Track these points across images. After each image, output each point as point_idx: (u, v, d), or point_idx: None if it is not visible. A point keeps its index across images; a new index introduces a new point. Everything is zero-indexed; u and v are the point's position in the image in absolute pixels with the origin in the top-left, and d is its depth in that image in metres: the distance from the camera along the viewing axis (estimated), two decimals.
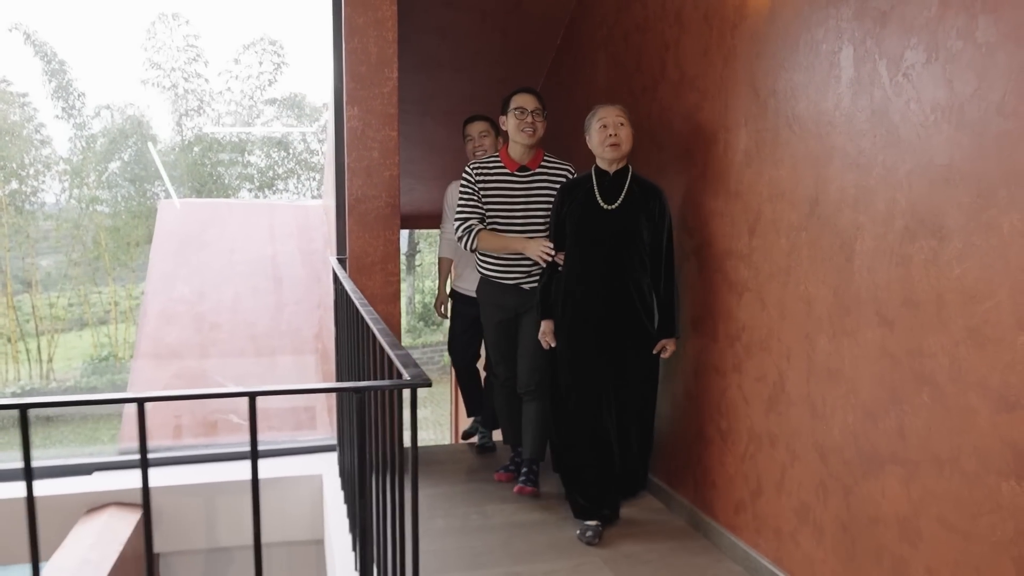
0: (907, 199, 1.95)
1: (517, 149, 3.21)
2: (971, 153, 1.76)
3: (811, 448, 2.36)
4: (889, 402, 2.03)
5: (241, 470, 3.61)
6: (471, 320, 3.85)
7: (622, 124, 2.90)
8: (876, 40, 2.05)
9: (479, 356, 4.07)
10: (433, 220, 6.87)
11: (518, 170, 3.21)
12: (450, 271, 4.17)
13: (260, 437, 1.55)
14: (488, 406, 4.01)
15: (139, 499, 3.42)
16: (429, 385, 1.55)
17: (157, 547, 3.47)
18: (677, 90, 3.13)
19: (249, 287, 5.66)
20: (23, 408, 1.39)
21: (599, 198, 2.94)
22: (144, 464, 1.53)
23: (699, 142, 2.98)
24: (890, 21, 2.00)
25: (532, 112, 3.14)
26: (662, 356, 3.02)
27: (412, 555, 1.75)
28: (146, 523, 1.55)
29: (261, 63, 14.16)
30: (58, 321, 12.72)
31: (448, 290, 4.16)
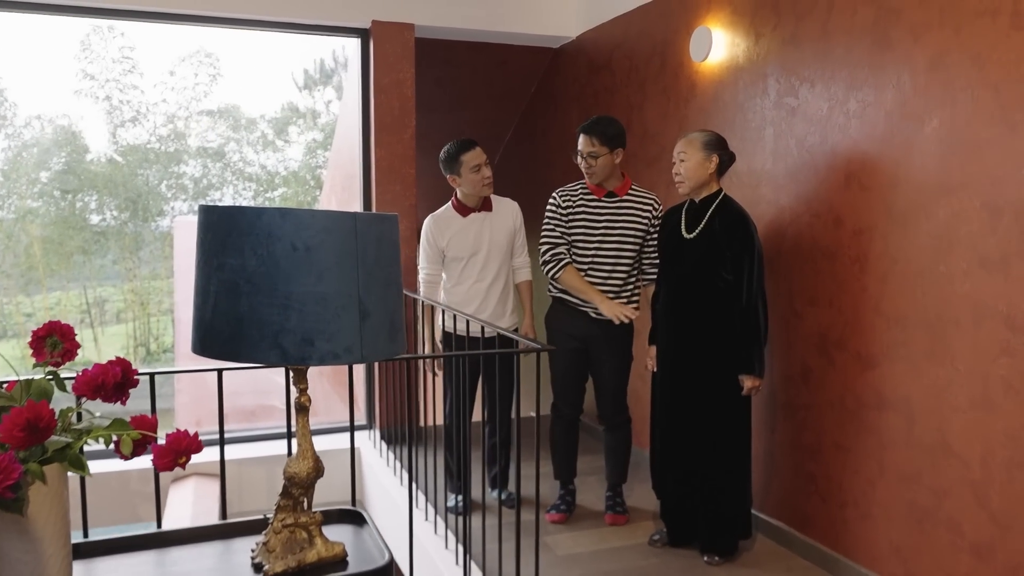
0: (810, 232, 2.98)
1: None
2: (849, 201, 2.80)
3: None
4: (790, 352, 3.06)
5: (284, 446, 4.37)
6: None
7: (682, 160, 2.89)
8: (788, 125, 3.07)
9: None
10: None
11: (605, 196, 3.22)
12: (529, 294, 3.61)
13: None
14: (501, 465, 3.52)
15: (213, 470, 4.18)
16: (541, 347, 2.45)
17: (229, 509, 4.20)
18: (642, 142, 4.10)
19: None
20: (152, 375, 1.96)
21: (683, 226, 2.96)
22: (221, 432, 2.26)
23: (660, 185, 3.97)
24: (797, 114, 3.03)
25: (586, 155, 3.15)
26: (743, 393, 2.87)
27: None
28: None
29: (197, 75, 14.52)
30: None
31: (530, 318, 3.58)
